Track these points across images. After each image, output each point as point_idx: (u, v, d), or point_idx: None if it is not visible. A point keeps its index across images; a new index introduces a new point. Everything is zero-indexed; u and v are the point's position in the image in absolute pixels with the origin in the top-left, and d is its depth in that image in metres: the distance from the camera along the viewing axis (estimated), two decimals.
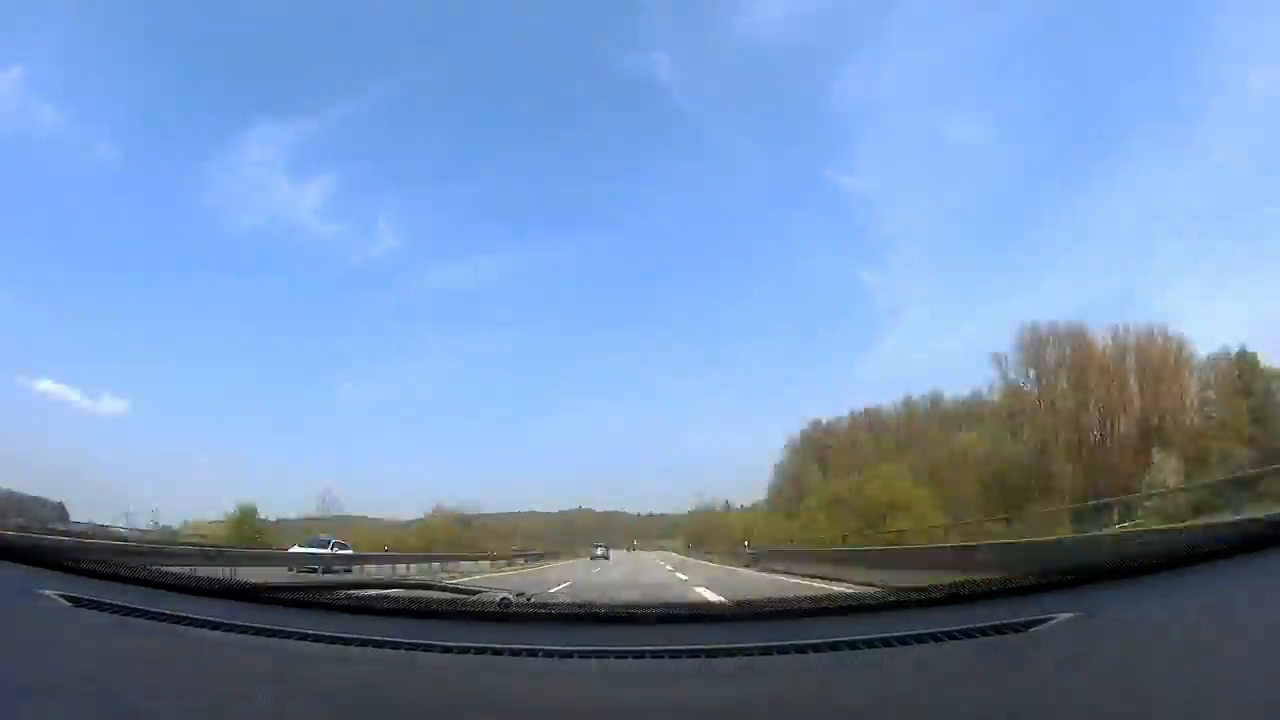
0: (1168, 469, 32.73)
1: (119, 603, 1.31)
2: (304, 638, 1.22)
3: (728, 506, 69.69)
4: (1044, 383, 41.29)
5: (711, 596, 9.67)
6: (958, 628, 1.13)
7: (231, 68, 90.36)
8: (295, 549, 19.84)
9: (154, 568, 1.60)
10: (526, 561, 33.11)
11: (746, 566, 21.00)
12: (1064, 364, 41.19)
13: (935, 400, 46.84)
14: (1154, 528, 13.03)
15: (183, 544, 19.19)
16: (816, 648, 1.12)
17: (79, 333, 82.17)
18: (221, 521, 37.20)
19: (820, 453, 50.51)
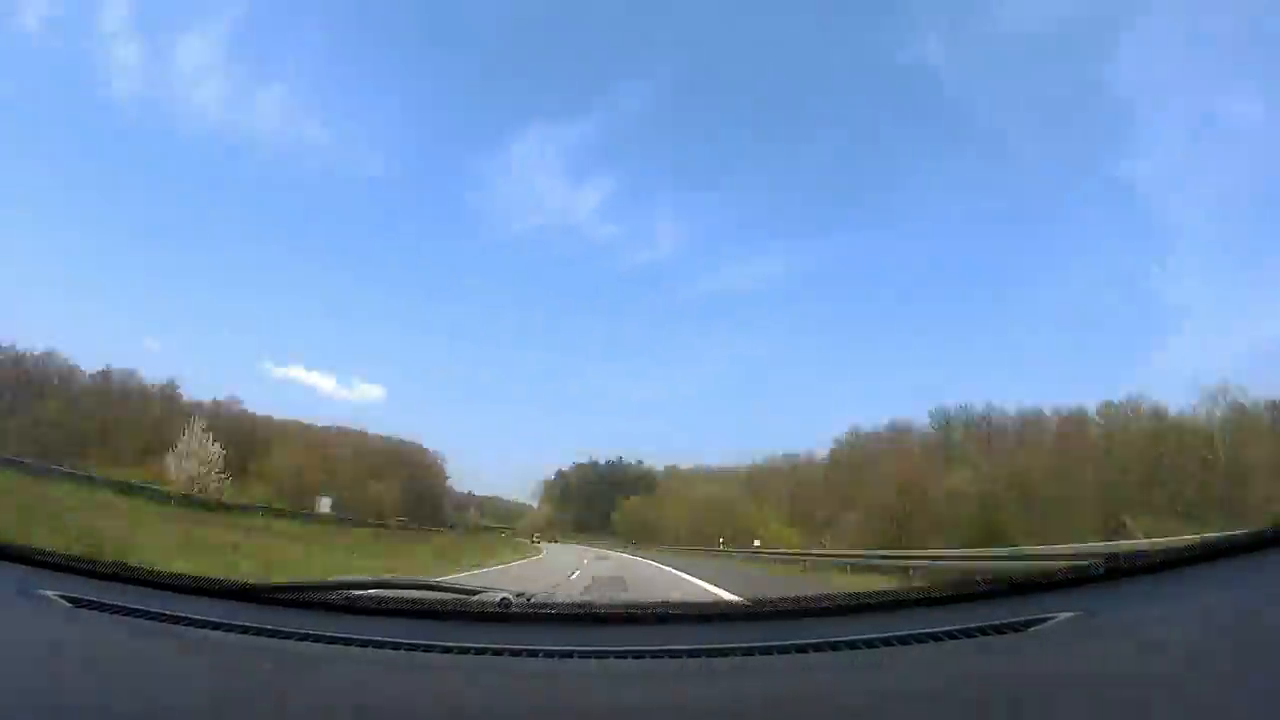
0: None
1: (119, 603, 1.31)
2: (304, 638, 1.22)
3: None
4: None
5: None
6: (958, 628, 1.13)
7: (505, 73, 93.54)
8: None
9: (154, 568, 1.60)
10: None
11: None
12: None
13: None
14: None
15: None
16: (817, 647, 1.12)
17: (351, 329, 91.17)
18: None
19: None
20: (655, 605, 1.42)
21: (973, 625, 1.13)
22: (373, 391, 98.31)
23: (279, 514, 26.29)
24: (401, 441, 58.31)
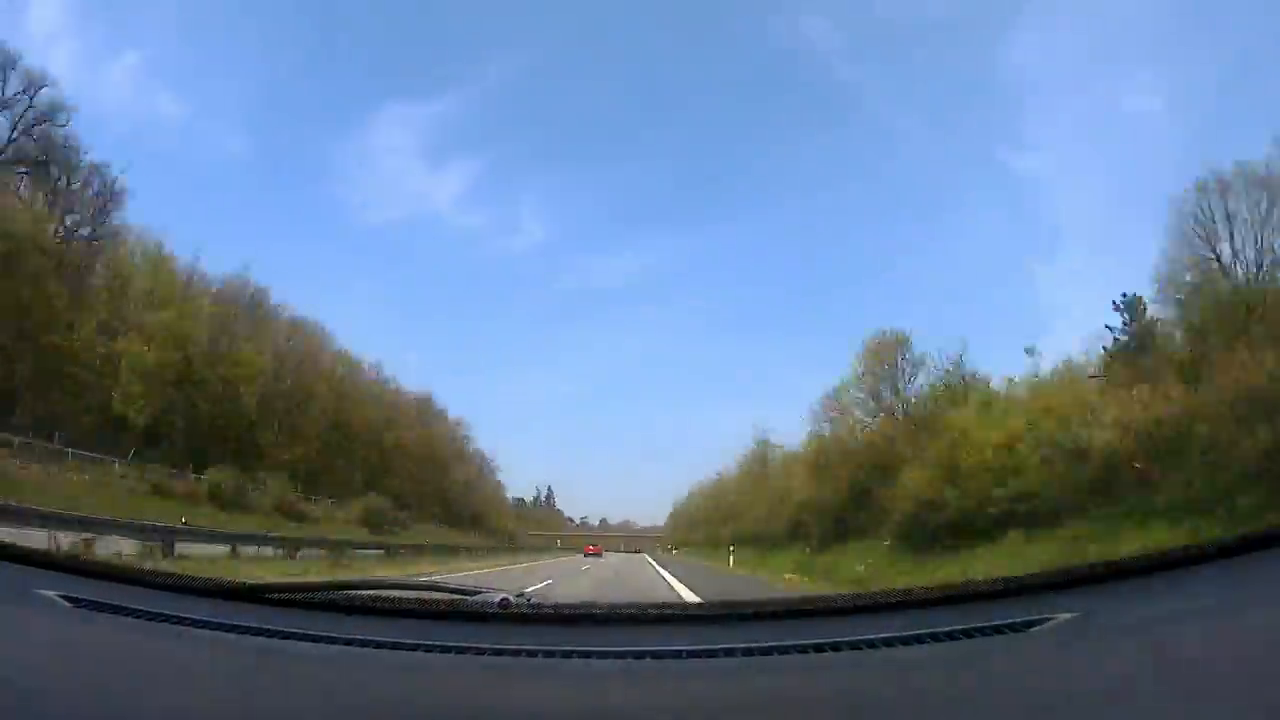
0: None
1: (119, 603, 1.31)
2: (304, 638, 1.22)
3: None
4: None
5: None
6: (958, 628, 1.13)
7: (361, 55, 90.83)
8: None
9: (154, 568, 1.60)
10: None
11: None
12: None
13: None
14: None
15: None
16: (817, 647, 1.12)
17: None
18: None
19: None
20: (654, 606, 1.42)
21: (973, 625, 1.13)
22: None
23: None
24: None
